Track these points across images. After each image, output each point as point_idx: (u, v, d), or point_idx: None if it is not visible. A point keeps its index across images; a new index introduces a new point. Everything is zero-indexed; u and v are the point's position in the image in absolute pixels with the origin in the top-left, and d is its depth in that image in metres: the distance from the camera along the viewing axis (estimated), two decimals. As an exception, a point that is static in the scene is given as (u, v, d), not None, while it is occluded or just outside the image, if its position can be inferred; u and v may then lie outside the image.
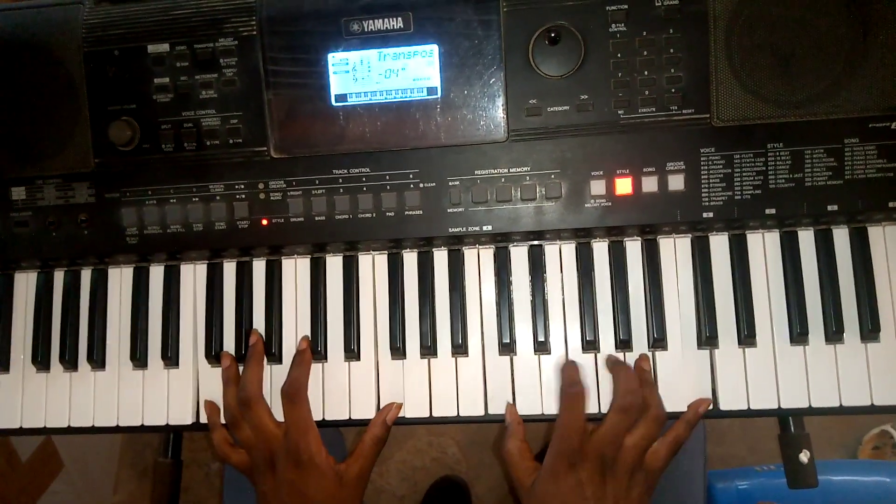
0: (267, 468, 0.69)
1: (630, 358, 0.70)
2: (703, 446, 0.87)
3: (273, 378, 0.74)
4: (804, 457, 0.72)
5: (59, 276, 0.78)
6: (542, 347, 0.70)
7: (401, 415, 0.72)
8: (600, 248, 0.71)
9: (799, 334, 0.68)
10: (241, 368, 0.73)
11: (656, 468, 0.66)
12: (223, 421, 0.73)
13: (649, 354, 0.70)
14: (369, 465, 0.71)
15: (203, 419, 0.74)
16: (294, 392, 0.69)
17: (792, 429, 0.73)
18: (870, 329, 0.67)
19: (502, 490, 1.58)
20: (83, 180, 0.74)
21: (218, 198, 0.72)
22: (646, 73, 0.67)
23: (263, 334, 0.74)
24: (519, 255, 0.72)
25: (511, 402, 0.70)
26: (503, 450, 0.68)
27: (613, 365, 0.68)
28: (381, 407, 0.72)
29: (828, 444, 1.52)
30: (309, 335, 0.74)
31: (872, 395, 0.67)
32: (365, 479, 0.71)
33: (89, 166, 0.73)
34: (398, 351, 0.72)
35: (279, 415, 0.71)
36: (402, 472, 1.61)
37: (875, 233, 0.68)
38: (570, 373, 0.67)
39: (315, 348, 0.73)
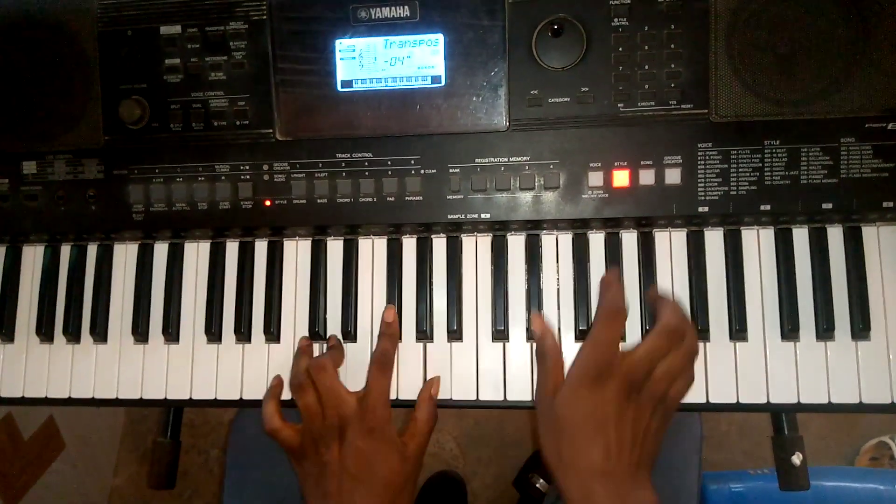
0: (333, 436, 0.67)
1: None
2: (698, 445, 0.88)
3: (270, 357, 0.75)
4: (796, 459, 0.72)
5: (65, 251, 0.80)
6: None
7: (394, 397, 0.73)
8: (596, 240, 0.72)
9: (790, 330, 0.68)
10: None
11: (676, 398, 0.64)
12: (285, 395, 0.73)
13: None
14: (424, 443, 0.70)
15: (199, 396, 0.76)
16: (386, 361, 0.69)
17: (785, 431, 0.73)
18: (861, 328, 0.67)
19: (498, 487, 1.58)
20: (93, 157, 0.75)
21: (223, 178, 0.74)
22: (646, 67, 0.68)
23: (263, 314, 0.76)
24: (516, 244, 0.73)
25: (503, 386, 0.71)
26: (545, 345, 0.67)
27: (657, 296, 0.68)
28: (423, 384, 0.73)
29: (825, 455, 1.52)
30: (308, 317, 0.75)
31: (861, 394, 0.68)
32: (421, 457, 0.71)
33: (99, 143, 0.75)
34: (394, 334, 0.73)
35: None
36: (399, 465, 1.61)
37: (869, 232, 0.69)
38: (614, 293, 0.65)
39: (313, 329, 0.74)
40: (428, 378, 0.73)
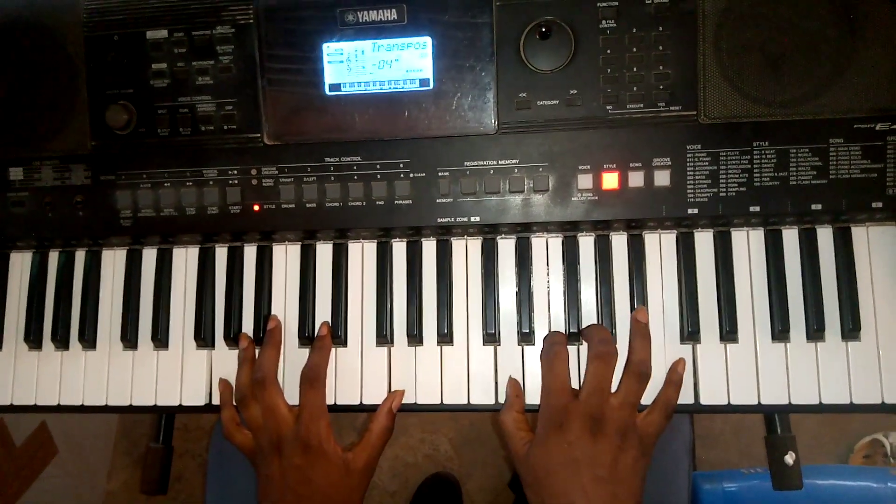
0: (273, 451, 0.68)
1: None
2: (688, 447, 0.88)
3: (261, 362, 0.75)
4: (789, 458, 0.72)
5: (53, 257, 0.79)
6: (526, 338, 0.71)
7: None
8: (586, 242, 0.72)
9: (780, 331, 0.68)
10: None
11: (651, 433, 0.65)
12: (234, 401, 0.74)
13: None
14: (376, 455, 0.71)
15: (188, 402, 0.75)
16: (314, 377, 0.70)
17: (778, 430, 0.73)
18: (850, 328, 0.67)
19: (494, 488, 1.58)
20: (80, 162, 0.75)
21: (211, 183, 0.73)
22: (635, 69, 0.68)
23: (253, 319, 0.75)
24: (506, 247, 0.73)
25: (494, 389, 0.71)
26: (499, 420, 0.68)
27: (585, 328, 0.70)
28: (386, 395, 0.72)
29: (819, 452, 1.52)
30: (298, 321, 0.75)
31: (852, 394, 0.68)
32: (371, 468, 0.71)
33: (86, 149, 0.75)
34: (384, 338, 0.73)
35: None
36: (394, 468, 1.61)
37: (858, 233, 0.69)
38: (550, 336, 0.68)
39: (303, 334, 0.74)
40: (418, 382, 0.72)
